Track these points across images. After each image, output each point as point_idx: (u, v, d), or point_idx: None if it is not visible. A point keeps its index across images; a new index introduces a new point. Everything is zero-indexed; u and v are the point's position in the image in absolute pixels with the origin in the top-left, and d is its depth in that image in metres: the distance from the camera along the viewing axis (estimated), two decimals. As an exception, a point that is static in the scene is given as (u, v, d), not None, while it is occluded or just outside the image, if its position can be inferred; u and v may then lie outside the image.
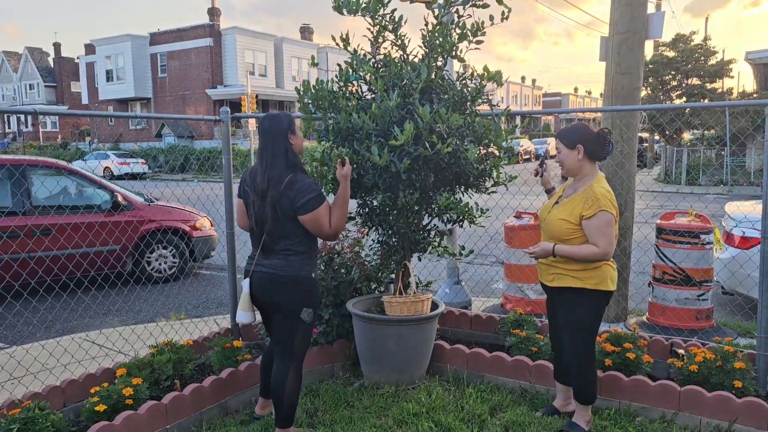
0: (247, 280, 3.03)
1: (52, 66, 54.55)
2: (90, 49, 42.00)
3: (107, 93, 39.76)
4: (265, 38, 37.83)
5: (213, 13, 36.32)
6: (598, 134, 3.15)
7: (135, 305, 6.64)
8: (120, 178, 26.32)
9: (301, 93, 3.61)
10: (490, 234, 6.02)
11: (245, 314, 3.05)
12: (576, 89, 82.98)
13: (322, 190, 3.32)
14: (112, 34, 39.10)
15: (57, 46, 54.13)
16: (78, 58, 47.32)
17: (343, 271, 4.17)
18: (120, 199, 7.17)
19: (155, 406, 3.13)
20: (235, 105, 33.73)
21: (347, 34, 3.66)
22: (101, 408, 3.10)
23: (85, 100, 43.94)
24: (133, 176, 27.26)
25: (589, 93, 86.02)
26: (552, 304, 3.34)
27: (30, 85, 53.89)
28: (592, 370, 3.21)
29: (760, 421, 3.14)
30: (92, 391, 3.25)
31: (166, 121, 36.52)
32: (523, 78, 68.51)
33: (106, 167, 28.28)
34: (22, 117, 52.16)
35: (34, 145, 43.10)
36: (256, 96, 31.36)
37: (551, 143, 42.51)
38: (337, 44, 3.72)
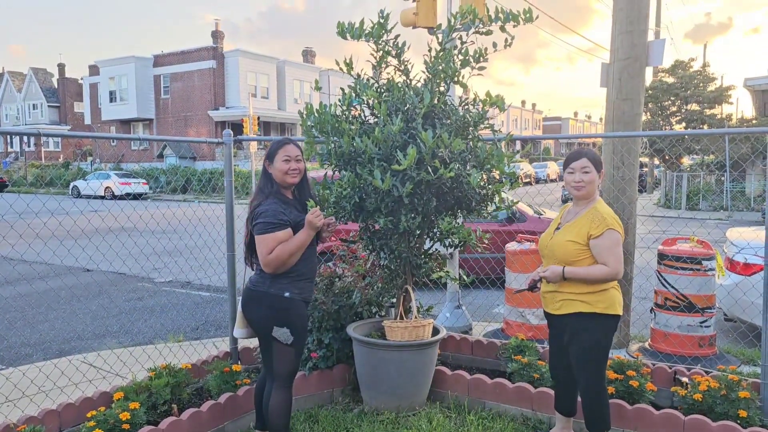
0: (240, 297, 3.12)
1: (56, 86, 55.03)
2: (94, 70, 42.42)
3: (110, 113, 40.05)
4: (267, 61, 38.22)
5: (216, 35, 36.74)
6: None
7: (134, 327, 6.60)
8: (121, 198, 26.38)
9: (304, 117, 3.62)
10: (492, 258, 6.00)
11: (239, 330, 3.14)
12: (576, 113, 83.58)
13: (305, 216, 3.20)
14: (116, 56, 39.52)
15: (61, 67, 54.67)
16: (82, 78, 47.74)
17: (344, 295, 4.15)
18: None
19: (152, 431, 3.08)
20: (237, 127, 33.92)
21: (350, 59, 3.69)
22: (97, 433, 3.06)
23: (87, 121, 44.25)
24: (135, 196, 27.31)
25: (589, 117, 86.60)
26: (557, 332, 3.26)
27: (33, 105, 54.31)
28: (605, 397, 3.14)
29: (766, 452, 3.10)
30: (89, 415, 3.21)
31: (167, 142, 36.71)
32: (523, 102, 69.07)
33: (108, 187, 28.35)
34: (25, 137, 52.43)
35: (36, 165, 43.26)
36: (258, 118, 31.56)
37: (551, 167, 42.66)
38: (341, 69, 3.75)
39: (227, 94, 36.81)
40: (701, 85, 26.74)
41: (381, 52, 3.80)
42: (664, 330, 5.03)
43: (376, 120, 3.72)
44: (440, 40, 3.73)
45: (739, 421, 3.28)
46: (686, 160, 29.99)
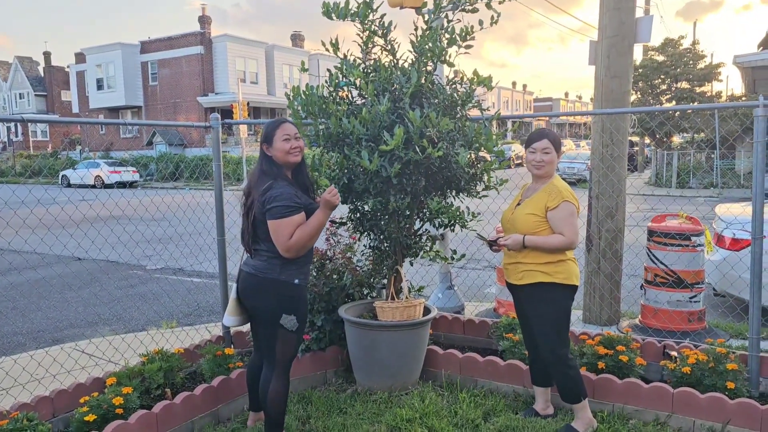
0: (234, 284, 3.03)
1: (43, 75, 54.33)
2: (80, 57, 41.84)
3: (98, 101, 39.59)
4: (256, 46, 37.83)
5: (203, 21, 36.28)
6: None
7: (126, 314, 6.59)
8: (111, 186, 26.21)
9: (291, 98, 3.60)
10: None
11: (230, 318, 3.05)
12: (566, 94, 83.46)
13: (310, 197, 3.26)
14: (102, 43, 38.99)
15: (47, 55, 53.95)
16: (68, 66, 47.11)
17: (335, 277, 4.15)
18: None
19: (146, 415, 3.09)
20: (227, 113, 33.61)
21: (336, 39, 3.66)
22: (91, 418, 3.06)
23: (75, 109, 43.72)
24: (124, 185, 27.14)
25: (580, 98, 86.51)
26: (521, 304, 3.39)
27: (20, 94, 53.64)
28: (570, 365, 3.22)
29: (753, 422, 3.14)
30: (82, 401, 3.21)
31: (157, 129, 36.41)
32: (514, 83, 68.84)
33: (97, 176, 28.11)
34: (12, 126, 51.88)
35: (24, 154, 42.83)
36: (248, 103, 31.34)
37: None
38: (327, 50, 3.71)
39: (216, 80, 36.45)
40: (691, 62, 26.76)
41: (367, 32, 3.77)
42: (653, 306, 5.08)
43: (363, 101, 3.70)
44: (427, 19, 3.70)
45: (726, 393, 3.33)
46: (676, 139, 30.10)
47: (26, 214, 4.71)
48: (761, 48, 20.84)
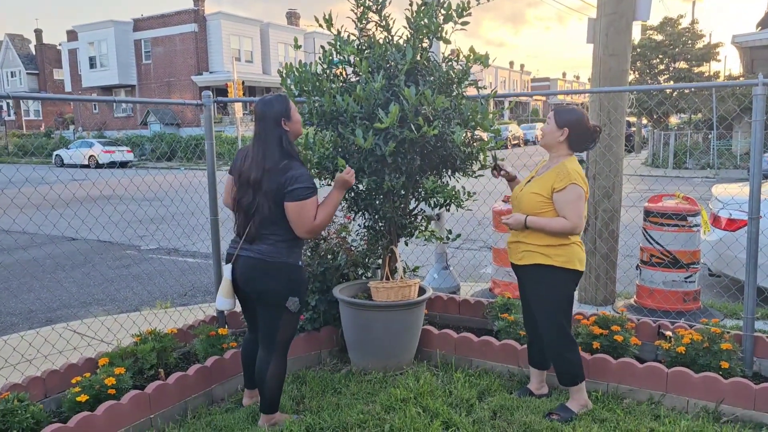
0: (229, 265, 2.95)
1: (34, 53, 53.62)
2: (72, 35, 41.26)
3: (91, 80, 39.15)
4: (251, 24, 37.37)
5: (197, -2, 35.78)
6: (592, 129, 3.19)
7: (119, 295, 6.56)
8: (104, 166, 26.04)
9: (284, 75, 3.53)
10: (479, 218, 5.99)
11: (226, 300, 2.97)
12: (564, 74, 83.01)
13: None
14: (94, 20, 38.45)
15: (38, 33, 53.17)
16: (60, 44, 46.48)
17: (329, 256, 4.12)
18: None
19: (138, 395, 3.07)
20: (222, 91, 33.34)
21: (330, 15, 3.58)
22: (83, 398, 3.04)
23: (68, 88, 43.22)
24: (119, 164, 26.96)
25: (578, 78, 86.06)
26: (522, 284, 3.35)
27: (11, 72, 53.01)
28: (571, 349, 3.20)
29: (747, 401, 3.15)
30: (73, 381, 3.19)
31: (151, 108, 36.08)
32: (511, 63, 68.36)
33: (91, 156, 27.91)
34: (4, 106, 51.28)
35: (16, 134, 42.46)
36: (243, 82, 31.02)
37: (540, 128, 42.51)
38: (321, 25, 3.64)
39: (210, 59, 36.05)
40: (689, 42, 26.60)
41: (362, 7, 3.69)
42: (649, 286, 5.08)
43: (358, 78, 3.64)
44: (422, -6, 3.61)
45: (721, 372, 3.33)
46: (674, 119, 30.02)
47: (14, 194, 4.65)
48: (760, 27, 20.69)
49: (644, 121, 30.37)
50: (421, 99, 3.23)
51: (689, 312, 4.91)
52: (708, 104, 21.98)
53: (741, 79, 22.19)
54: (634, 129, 30.47)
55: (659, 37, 27.24)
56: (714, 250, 5.64)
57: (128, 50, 37.99)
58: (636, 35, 28.65)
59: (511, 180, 3.52)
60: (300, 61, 3.55)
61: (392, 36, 3.69)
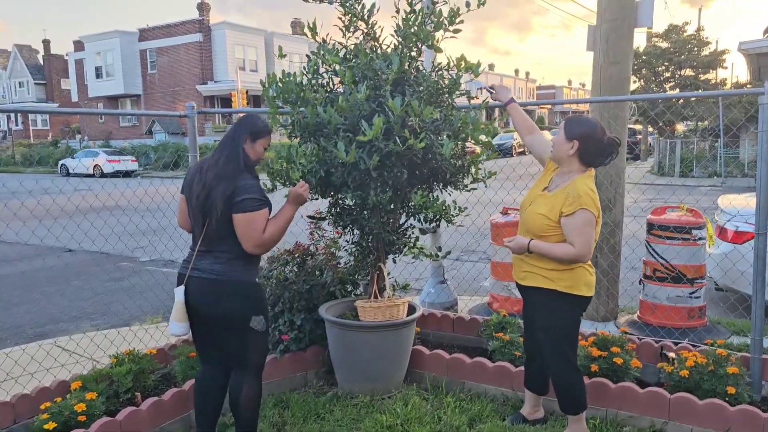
0: (182, 287, 2.74)
1: (42, 63, 53.97)
2: (79, 45, 41.49)
3: (97, 90, 39.31)
4: (255, 33, 37.45)
5: (202, 8, 35.91)
6: (607, 142, 2.89)
7: (110, 309, 6.42)
8: (110, 176, 26.02)
9: (266, 86, 3.39)
10: (478, 226, 5.82)
11: (180, 325, 2.73)
12: (570, 81, 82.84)
13: (282, 188, 3.11)
14: (100, 30, 38.65)
15: (46, 43, 53.57)
16: (67, 55, 46.75)
17: (317, 273, 3.96)
18: None
19: (108, 423, 2.91)
20: (226, 101, 33.39)
21: (314, 23, 3.44)
22: (51, 426, 2.88)
23: (75, 98, 43.42)
24: (124, 174, 26.93)
25: (583, 85, 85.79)
26: (525, 304, 3.14)
27: (19, 83, 53.35)
28: (575, 377, 3.00)
29: (755, 430, 2.95)
30: (42, 407, 3.03)
31: (156, 118, 36.12)
32: (516, 71, 68.29)
33: (96, 165, 27.92)
34: (12, 115, 51.58)
35: (23, 143, 42.66)
36: (247, 92, 31.02)
37: (545, 136, 42.19)
38: (305, 33, 3.50)
39: (215, 68, 36.12)
40: (695, 49, 26.38)
41: (349, 15, 3.55)
42: (652, 302, 4.88)
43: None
44: (410, 1, 3.46)
45: (727, 398, 3.13)
46: (680, 127, 29.76)
47: (17, 207, 4.54)
48: (767, 34, 20.46)
49: (650, 129, 30.12)
50: (408, 110, 3.07)
51: (694, 329, 4.71)
52: (713, 112, 21.74)
53: (748, 86, 21.96)
54: (639, 137, 30.22)
55: (664, 45, 27.03)
56: (720, 265, 5.44)
57: (134, 60, 38.14)
58: (641, 43, 28.51)
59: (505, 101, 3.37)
60: (283, 71, 3.41)
61: (380, 44, 3.54)
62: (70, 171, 28.92)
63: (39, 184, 5.26)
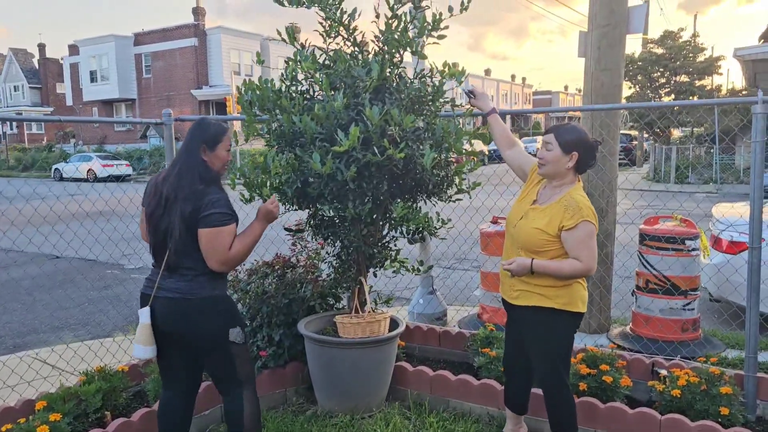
0: (147, 308, 2.59)
1: (37, 67, 53.76)
2: (74, 49, 41.32)
3: (91, 94, 39.13)
4: (251, 38, 37.33)
5: (197, 12, 35.80)
6: (593, 144, 2.78)
7: (93, 319, 6.27)
8: (104, 180, 25.84)
9: (242, 92, 3.26)
10: (470, 231, 5.69)
11: (145, 349, 2.58)
12: (566, 87, 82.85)
13: (258, 199, 2.98)
14: (95, 35, 38.46)
15: (41, 47, 53.35)
16: (62, 59, 46.57)
17: (298, 285, 3.82)
18: None
19: (71, 447, 2.77)
20: (221, 105, 33.25)
21: (292, 27, 3.32)
22: (10, 450, 2.75)
23: (69, 102, 43.22)
24: (118, 178, 26.76)
25: (579, 91, 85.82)
26: (514, 323, 2.97)
27: (15, 86, 53.11)
28: (568, 398, 2.86)
29: (749, 454, 2.83)
30: (3, 429, 2.89)
31: (153, 125, 35.91)
32: (513, 76, 68.20)
33: (89, 169, 27.76)
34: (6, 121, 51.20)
35: (18, 147, 42.43)
36: (242, 96, 30.84)
37: (540, 141, 42.29)
38: (283, 39, 3.38)
39: (210, 73, 35.97)
40: (691, 55, 26.39)
41: (330, 20, 3.43)
42: (645, 313, 4.76)
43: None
44: (392, 5, 3.34)
45: (720, 420, 3.01)
46: (676, 132, 29.74)
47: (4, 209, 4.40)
48: (762, 41, 20.44)
49: (645, 135, 30.09)
50: (387, 119, 2.95)
51: (688, 342, 4.58)
52: (709, 117, 21.68)
53: (743, 93, 21.94)
54: (635, 143, 30.19)
55: (660, 51, 27.04)
56: (714, 278, 5.32)
57: (129, 64, 37.98)
58: (636, 49, 28.51)
59: (486, 112, 3.25)
60: (260, 77, 3.28)
61: (361, 50, 3.42)
62: (64, 175, 28.74)
63: (32, 189, 5.11)
